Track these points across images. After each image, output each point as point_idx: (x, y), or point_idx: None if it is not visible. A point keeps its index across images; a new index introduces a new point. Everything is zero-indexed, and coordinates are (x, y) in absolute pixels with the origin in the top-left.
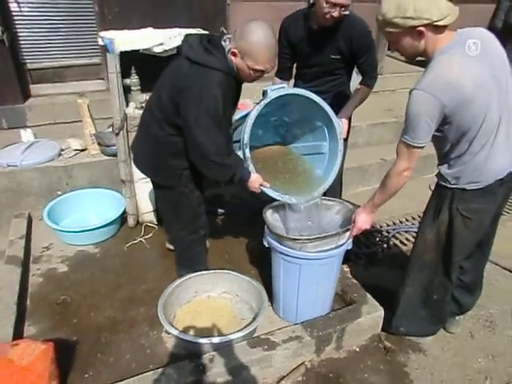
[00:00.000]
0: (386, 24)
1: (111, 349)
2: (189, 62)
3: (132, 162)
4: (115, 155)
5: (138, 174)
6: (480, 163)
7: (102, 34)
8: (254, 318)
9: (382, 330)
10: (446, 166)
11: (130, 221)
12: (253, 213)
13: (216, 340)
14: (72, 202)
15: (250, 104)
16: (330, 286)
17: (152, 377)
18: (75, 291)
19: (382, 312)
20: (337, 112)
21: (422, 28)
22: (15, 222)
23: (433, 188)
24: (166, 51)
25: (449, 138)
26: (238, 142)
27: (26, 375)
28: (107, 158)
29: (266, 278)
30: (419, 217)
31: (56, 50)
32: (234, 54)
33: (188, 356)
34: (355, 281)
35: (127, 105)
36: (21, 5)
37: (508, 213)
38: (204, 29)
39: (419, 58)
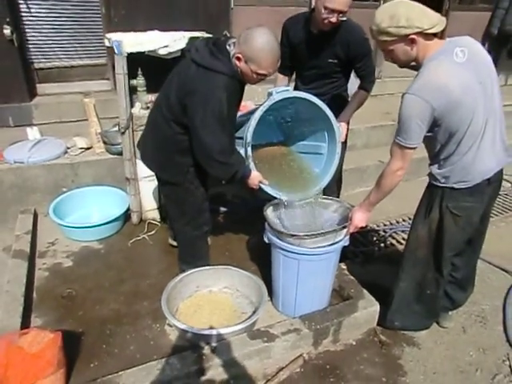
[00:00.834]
0: (380, 33)
1: (116, 340)
2: (195, 65)
3: (139, 158)
4: (120, 154)
5: (142, 172)
6: (468, 163)
7: (109, 35)
8: (254, 312)
9: (378, 324)
10: (436, 166)
11: (134, 218)
12: (251, 211)
13: (217, 332)
14: (77, 199)
15: (251, 106)
16: (328, 281)
17: (156, 366)
18: (80, 285)
19: (378, 307)
20: (335, 114)
21: (413, 36)
22: (21, 217)
23: None
24: (170, 53)
25: (438, 140)
26: (241, 138)
27: (35, 362)
28: (112, 156)
29: (266, 274)
30: None
31: (62, 50)
32: (239, 59)
33: (190, 347)
34: (352, 277)
35: (132, 105)
36: (30, 6)
37: (501, 213)
38: (208, 32)
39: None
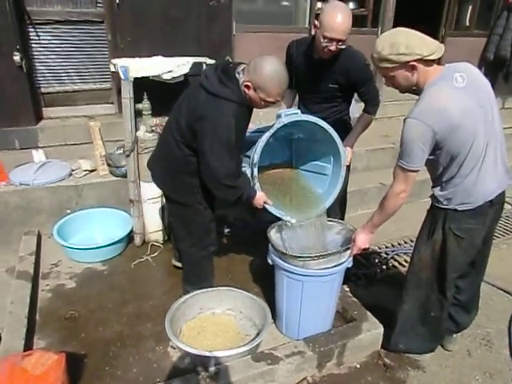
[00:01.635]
0: (381, 60)
1: (119, 362)
2: (205, 92)
3: (143, 181)
4: (124, 176)
5: (146, 194)
6: (470, 185)
7: (115, 61)
8: (258, 334)
9: (382, 347)
10: (438, 188)
11: (137, 240)
12: (254, 233)
13: (221, 354)
14: (81, 221)
15: (253, 127)
16: (332, 302)
17: None
18: (83, 306)
19: (382, 329)
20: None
21: (414, 62)
22: (25, 238)
23: None
24: (174, 78)
25: (440, 162)
26: (249, 157)
27: None
28: (116, 178)
29: (269, 296)
30: None
31: (69, 75)
32: (248, 87)
33: (194, 370)
34: (355, 299)
35: (137, 128)
36: (39, 34)
37: (503, 236)
38: (210, 57)
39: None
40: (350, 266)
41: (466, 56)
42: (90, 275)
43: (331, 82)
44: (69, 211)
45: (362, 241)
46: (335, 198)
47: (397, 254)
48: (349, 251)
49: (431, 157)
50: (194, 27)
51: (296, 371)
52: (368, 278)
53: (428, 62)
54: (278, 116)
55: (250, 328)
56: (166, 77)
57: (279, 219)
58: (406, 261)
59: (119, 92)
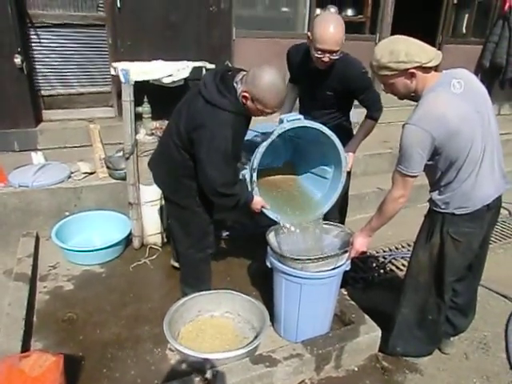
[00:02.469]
0: (381, 68)
1: (117, 365)
2: (203, 101)
3: (142, 184)
4: (123, 179)
5: (145, 197)
6: (468, 190)
7: (115, 64)
8: (256, 337)
9: (380, 350)
10: (436, 192)
11: (135, 242)
12: (252, 236)
13: (219, 356)
14: (79, 223)
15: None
16: (330, 305)
17: None
18: (81, 309)
19: (380, 332)
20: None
21: (413, 70)
22: (23, 240)
23: None
24: (174, 82)
25: (439, 167)
26: (249, 159)
27: None
28: (115, 181)
29: (267, 299)
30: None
31: (69, 78)
32: (245, 98)
33: (192, 372)
34: (353, 303)
35: (137, 131)
36: (40, 36)
37: (499, 240)
38: (210, 62)
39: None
40: (348, 269)
41: (463, 63)
42: (88, 277)
43: (328, 89)
44: (67, 213)
45: (360, 244)
46: (333, 203)
47: (394, 258)
48: (347, 254)
49: (430, 162)
50: (194, 32)
51: (294, 374)
52: (366, 282)
53: (426, 69)
54: (281, 121)
55: (249, 331)
56: (166, 81)
57: (277, 223)
58: (403, 265)
59: (119, 95)
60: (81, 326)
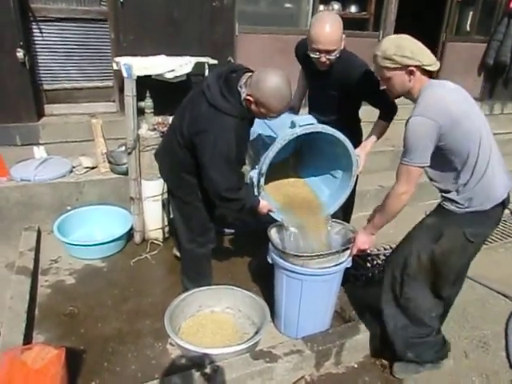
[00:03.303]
0: (384, 59)
1: (117, 359)
2: (207, 103)
3: (144, 179)
4: (124, 173)
5: (146, 192)
6: (485, 186)
7: (117, 59)
8: (257, 333)
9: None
10: (454, 193)
11: (137, 237)
12: (253, 233)
13: (220, 351)
14: (81, 217)
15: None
16: (330, 302)
17: None
18: (82, 303)
19: (379, 330)
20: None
21: (413, 68)
22: (25, 234)
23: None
24: (176, 77)
25: (454, 166)
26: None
27: (39, 378)
28: (116, 176)
29: (268, 296)
30: None
31: (71, 72)
32: (249, 101)
33: (192, 367)
34: (354, 300)
35: (139, 126)
36: (42, 31)
37: (500, 239)
38: (213, 58)
39: None
40: (349, 266)
41: (465, 61)
42: (90, 272)
43: (331, 89)
44: (69, 208)
45: (362, 241)
46: (340, 204)
47: None
48: (348, 251)
49: (443, 160)
50: (196, 27)
51: (294, 370)
52: (366, 279)
53: (425, 72)
54: (293, 125)
55: (249, 326)
56: (169, 76)
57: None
58: None
59: (121, 90)
60: (82, 320)
